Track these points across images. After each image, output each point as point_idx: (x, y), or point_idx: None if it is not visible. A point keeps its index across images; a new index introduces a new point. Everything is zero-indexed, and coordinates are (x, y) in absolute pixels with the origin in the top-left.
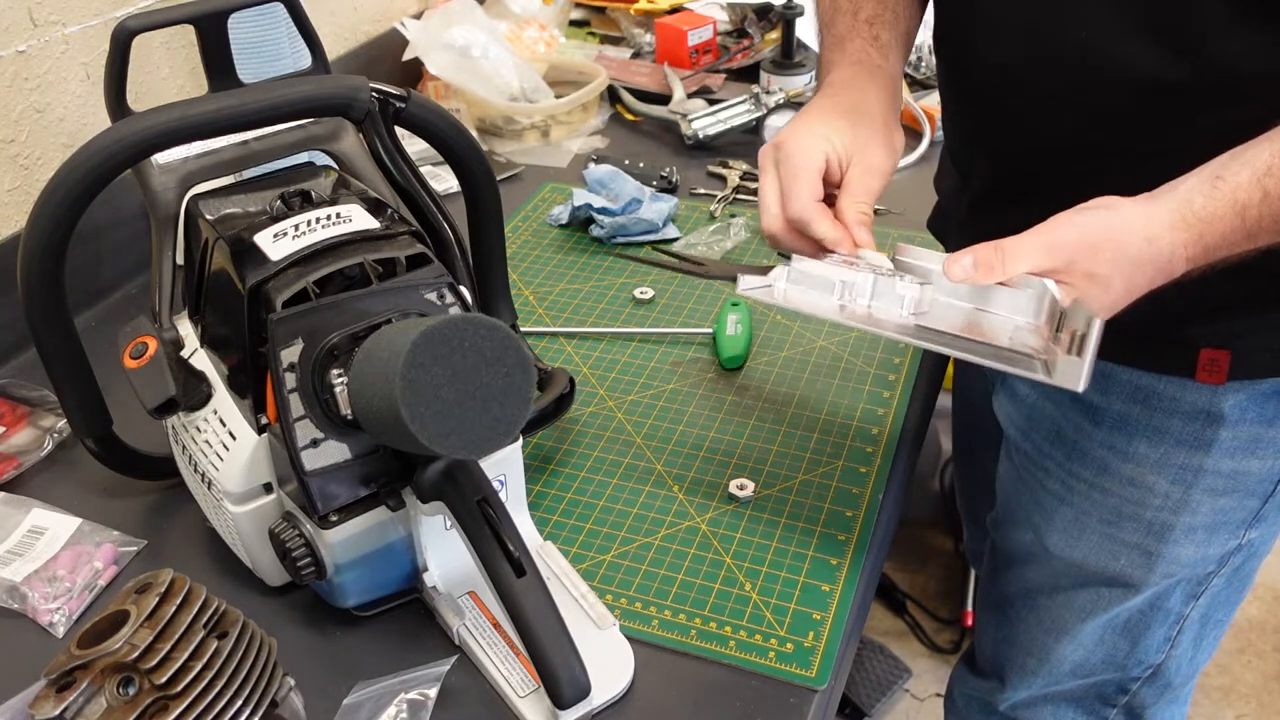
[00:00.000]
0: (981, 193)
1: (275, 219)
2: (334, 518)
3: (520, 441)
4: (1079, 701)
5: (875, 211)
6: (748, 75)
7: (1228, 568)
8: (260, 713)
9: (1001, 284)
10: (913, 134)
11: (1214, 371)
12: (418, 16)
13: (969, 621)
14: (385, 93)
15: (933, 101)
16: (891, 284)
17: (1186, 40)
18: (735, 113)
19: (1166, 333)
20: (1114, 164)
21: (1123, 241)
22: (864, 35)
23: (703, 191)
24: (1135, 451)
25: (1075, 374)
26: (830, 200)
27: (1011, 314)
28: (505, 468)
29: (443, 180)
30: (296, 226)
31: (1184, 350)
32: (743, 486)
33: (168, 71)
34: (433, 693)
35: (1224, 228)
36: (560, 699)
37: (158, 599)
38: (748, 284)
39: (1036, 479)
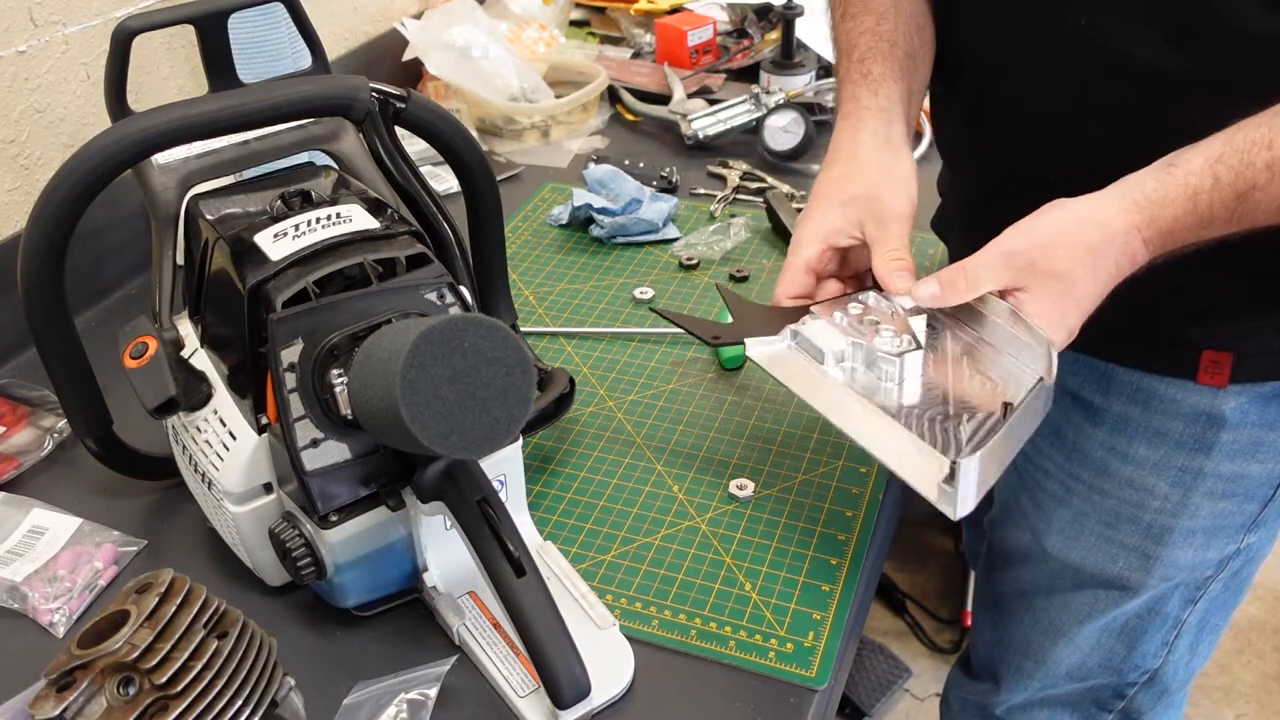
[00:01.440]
0: (979, 189)
1: (275, 219)
2: (334, 518)
3: (520, 441)
4: (1075, 706)
5: None
6: (748, 75)
7: (1226, 572)
8: (260, 713)
9: (1007, 333)
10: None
11: (1216, 373)
12: (418, 16)
13: (969, 621)
14: (385, 93)
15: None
16: (876, 356)
17: (1187, 30)
18: (735, 113)
19: (1168, 334)
20: (1113, 158)
21: (1075, 233)
22: (855, 76)
23: (703, 191)
24: (1135, 453)
25: (949, 504)
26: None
27: (1016, 365)
28: (505, 468)
29: (443, 180)
30: (296, 226)
31: (1186, 352)
32: (743, 486)
33: (168, 71)
34: (433, 693)
35: (1176, 211)
36: (560, 699)
37: (158, 599)
38: (754, 347)
39: (1035, 479)
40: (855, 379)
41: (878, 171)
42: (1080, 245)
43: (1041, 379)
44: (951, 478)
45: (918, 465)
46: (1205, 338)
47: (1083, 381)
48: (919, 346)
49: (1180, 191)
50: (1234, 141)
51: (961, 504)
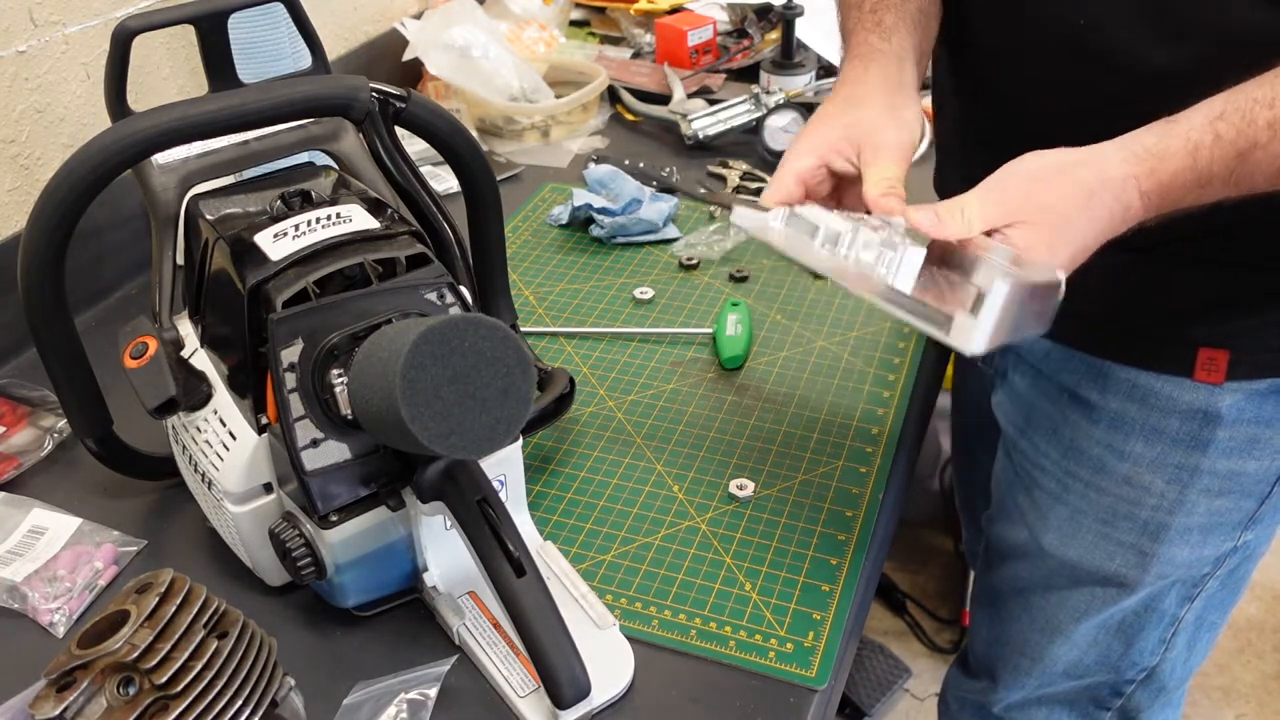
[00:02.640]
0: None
1: (275, 219)
2: (334, 518)
3: (520, 441)
4: (1073, 704)
5: None
6: (748, 75)
7: (1223, 569)
8: (260, 713)
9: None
10: None
11: (1212, 371)
12: (418, 16)
13: (968, 621)
14: (385, 93)
15: (926, 101)
16: (874, 238)
17: (1182, 28)
18: (735, 113)
19: (1165, 331)
20: None
21: (1072, 174)
22: (867, 24)
23: (703, 191)
24: (1132, 451)
25: (968, 334)
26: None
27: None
28: (505, 468)
29: (443, 180)
30: (296, 226)
31: (1182, 349)
32: (743, 486)
33: (168, 71)
34: (433, 693)
35: (1176, 165)
36: (560, 699)
37: (158, 599)
38: (742, 215)
39: (1033, 477)
40: (847, 264)
41: (884, 107)
42: (1075, 183)
43: (1058, 280)
44: (978, 304)
45: (928, 314)
46: (1202, 335)
47: (1080, 379)
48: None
49: (1181, 146)
50: (1235, 100)
51: (981, 334)
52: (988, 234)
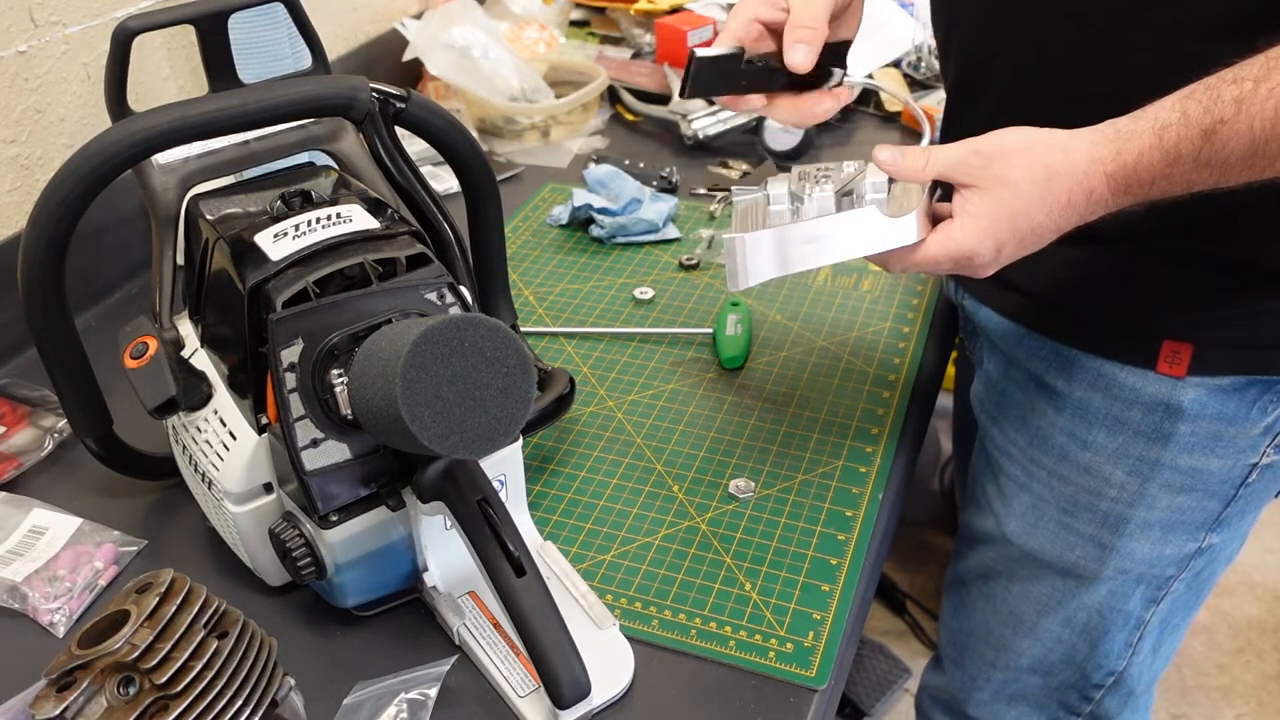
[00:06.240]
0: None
1: (275, 219)
2: (334, 518)
3: (520, 441)
4: (1043, 708)
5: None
6: None
7: (1188, 572)
8: (260, 713)
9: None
10: (912, 134)
11: (1175, 364)
12: (418, 16)
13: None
14: (385, 93)
15: (933, 101)
16: (795, 196)
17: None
18: (735, 113)
19: (1130, 322)
20: (1067, 109)
21: (1038, 151)
22: None
23: (703, 191)
24: (1094, 440)
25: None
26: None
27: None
28: (505, 468)
29: (443, 180)
30: (297, 226)
31: (1146, 341)
32: (743, 487)
33: (168, 71)
34: (433, 693)
35: (1142, 145)
36: (560, 699)
37: (158, 599)
38: (739, 195)
39: (1000, 465)
40: (798, 214)
41: None
42: (1040, 163)
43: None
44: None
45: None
46: (1166, 327)
47: (1048, 366)
48: (840, 192)
49: (1148, 126)
50: (1208, 80)
51: (730, 277)
52: (946, 189)
